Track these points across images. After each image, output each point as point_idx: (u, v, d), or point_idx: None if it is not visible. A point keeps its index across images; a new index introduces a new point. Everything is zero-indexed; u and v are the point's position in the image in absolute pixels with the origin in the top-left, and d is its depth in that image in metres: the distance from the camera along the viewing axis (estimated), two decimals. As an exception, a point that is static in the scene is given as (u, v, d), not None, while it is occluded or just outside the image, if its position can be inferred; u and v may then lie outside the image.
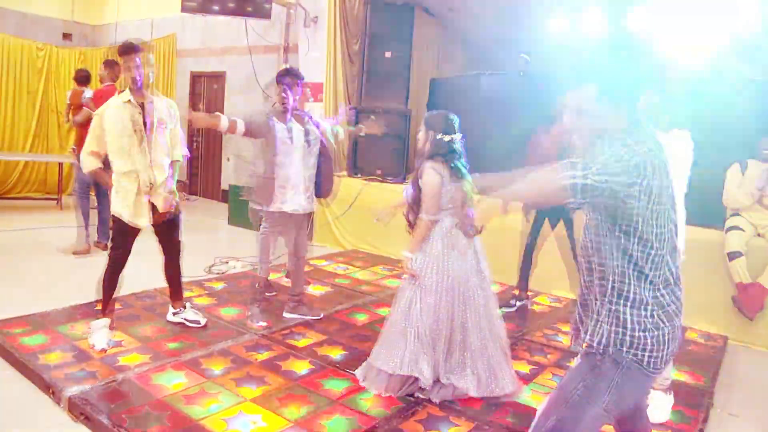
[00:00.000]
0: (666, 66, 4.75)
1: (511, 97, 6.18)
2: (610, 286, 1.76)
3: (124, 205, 3.63)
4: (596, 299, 1.82)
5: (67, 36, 10.23)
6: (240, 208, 7.62)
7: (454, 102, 6.58)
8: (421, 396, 3.19)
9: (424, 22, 7.67)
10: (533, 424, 1.89)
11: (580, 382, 1.80)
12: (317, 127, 4.34)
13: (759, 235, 4.50)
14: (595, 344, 1.77)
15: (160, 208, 3.71)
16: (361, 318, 4.52)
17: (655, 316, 1.72)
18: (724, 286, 4.53)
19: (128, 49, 3.61)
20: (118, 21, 10.33)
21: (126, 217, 3.63)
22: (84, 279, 4.69)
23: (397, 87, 7.21)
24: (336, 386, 3.32)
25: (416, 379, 3.19)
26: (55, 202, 8.58)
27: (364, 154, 7.13)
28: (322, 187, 4.41)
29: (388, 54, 7.17)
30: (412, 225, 3.29)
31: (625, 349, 1.73)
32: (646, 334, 1.71)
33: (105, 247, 5.75)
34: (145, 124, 3.60)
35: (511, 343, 3.52)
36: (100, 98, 5.34)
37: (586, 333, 1.83)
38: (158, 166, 3.68)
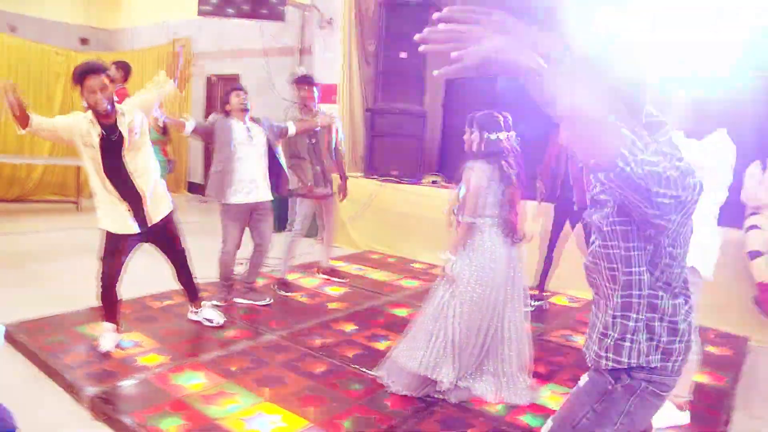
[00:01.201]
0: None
1: (528, 97, 6.13)
2: (636, 298, 1.61)
3: (107, 219, 3.52)
4: (613, 312, 1.66)
5: (84, 41, 10.36)
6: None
7: (470, 102, 6.56)
8: (438, 396, 3.19)
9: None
10: None
11: (589, 409, 1.70)
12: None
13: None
14: (623, 360, 1.63)
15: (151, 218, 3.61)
16: (379, 319, 4.53)
17: (681, 326, 1.63)
18: (744, 286, 4.47)
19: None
20: (134, 25, 10.44)
21: (114, 229, 3.52)
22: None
23: (413, 87, 7.20)
24: (354, 386, 3.33)
25: (434, 381, 3.18)
26: (74, 204, 8.68)
27: (380, 154, 7.14)
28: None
29: (403, 54, 7.17)
30: (456, 225, 3.27)
31: (650, 361, 1.61)
32: (672, 346, 1.62)
33: None
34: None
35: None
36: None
37: (602, 350, 1.68)
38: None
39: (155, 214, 3.60)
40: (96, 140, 3.35)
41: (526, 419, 3.06)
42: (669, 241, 1.55)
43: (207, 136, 4.45)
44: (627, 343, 1.62)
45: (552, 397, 3.32)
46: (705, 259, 2.98)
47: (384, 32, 7.25)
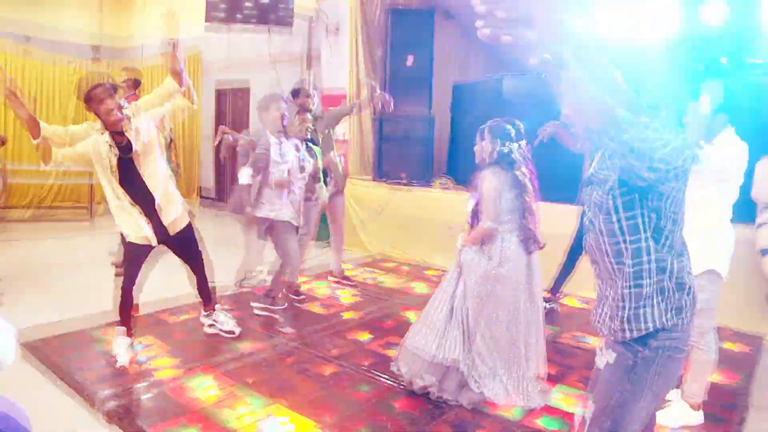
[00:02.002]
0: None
1: (534, 99, 6.12)
2: (646, 264, 1.68)
3: (125, 227, 3.62)
4: (626, 284, 1.71)
5: (96, 57, 10.48)
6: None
7: (477, 106, 6.58)
8: (450, 399, 3.19)
9: (444, 26, 7.69)
10: None
11: (621, 388, 1.75)
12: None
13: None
14: (643, 326, 1.69)
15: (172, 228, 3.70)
16: (389, 323, 4.54)
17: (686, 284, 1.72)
18: (758, 283, 4.42)
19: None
20: (145, 39, 10.56)
21: (132, 238, 3.62)
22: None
23: (420, 92, 7.24)
24: (365, 390, 3.35)
25: (455, 370, 3.17)
26: (86, 211, 8.79)
27: (389, 158, 7.19)
28: None
29: (409, 61, 7.21)
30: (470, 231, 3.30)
31: (667, 321, 1.68)
32: (682, 301, 1.71)
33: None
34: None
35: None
36: None
37: (622, 322, 1.72)
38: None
39: (167, 214, 3.66)
40: (114, 161, 3.45)
41: (542, 422, 3.05)
42: (671, 207, 1.65)
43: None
44: (643, 309, 1.69)
45: (564, 398, 3.31)
46: (721, 259, 2.97)
47: (390, 39, 7.29)
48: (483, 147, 3.27)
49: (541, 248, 3.28)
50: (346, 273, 5.77)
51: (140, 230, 3.58)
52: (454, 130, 7.53)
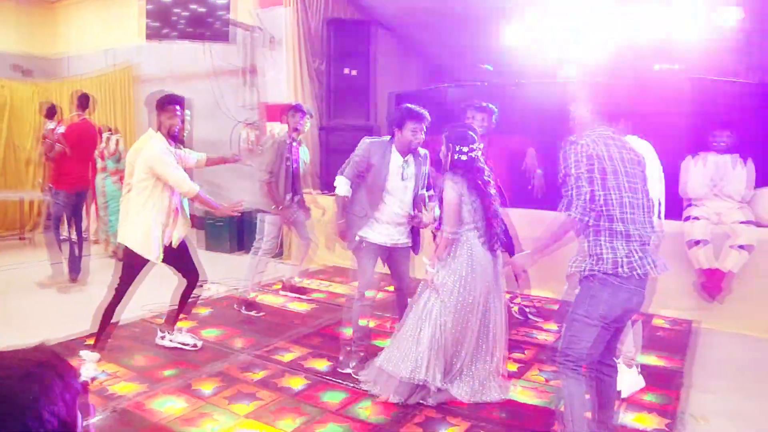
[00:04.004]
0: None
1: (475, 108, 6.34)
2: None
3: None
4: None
5: (26, 71, 10.04)
6: (215, 234, 7.69)
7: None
8: (418, 401, 3.29)
9: (381, 37, 7.83)
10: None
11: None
12: None
13: (716, 223, 4.77)
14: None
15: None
16: (346, 331, 4.60)
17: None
18: (689, 273, 4.76)
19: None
20: (74, 52, 10.21)
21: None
22: (64, 313, 4.69)
23: (361, 103, 7.36)
24: (333, 398, 3.41)
25: (422, 387, 3.27)
26: (18, 239, 8.40)
27: (334, 170, 7.21)
28: None
29: (347, 71, 7.32)
30: (435, 237, 3.38)
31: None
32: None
33: (75, 280, 5.78)
34: None
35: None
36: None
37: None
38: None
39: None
40: None
41: (502, 414, 3.21)
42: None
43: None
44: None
45: (522, 391, 3.49)
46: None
47: (330, 50, 7.39)
48: (443, 153, 3.36)
49: (506, 251, 3.41)
50: (300, 284, 5.80)
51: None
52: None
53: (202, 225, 7.84)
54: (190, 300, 4.18)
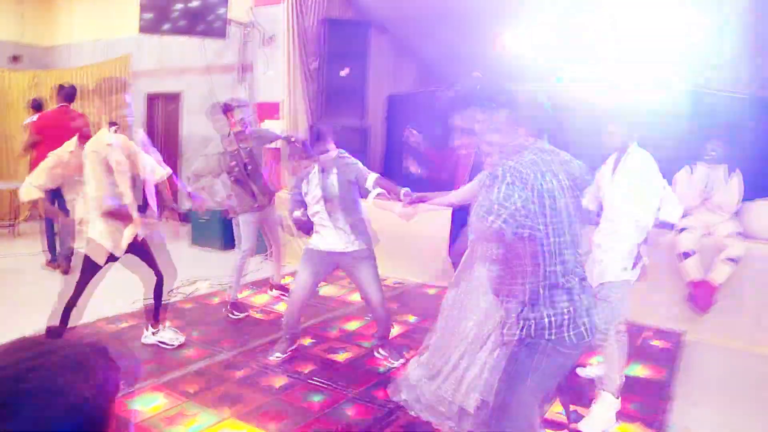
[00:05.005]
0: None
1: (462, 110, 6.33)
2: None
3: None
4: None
5: (17, 58, 9.95)
6: (202, 229, 7.59)
7: (411, 118, 6.72)
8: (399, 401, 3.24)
9: (378, 38, 7.81)
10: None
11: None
12: None
13: (706, 234, 4.75)
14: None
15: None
16: (333, 332, 4.57)
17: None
18: (679, 285, 4.73)
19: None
20: (72, 42, 10.14)
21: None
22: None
23: (355, 104, 7.33)
24: (316, 398, 3.38)
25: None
26: (7, 229, 8.31)
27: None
28: None
29: (344, 71, 7.28)
30: None
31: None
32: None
33: (67, 269, 5.70)
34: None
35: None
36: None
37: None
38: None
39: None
40: None
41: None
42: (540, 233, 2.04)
43: None
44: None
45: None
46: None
47: (325, 50, 7.35)
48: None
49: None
50: (286, 284, 5.74)
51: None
52: (389, 141, 7.65)
53: (187, 219, 7.77)
54: (164, 302, 4.13)
